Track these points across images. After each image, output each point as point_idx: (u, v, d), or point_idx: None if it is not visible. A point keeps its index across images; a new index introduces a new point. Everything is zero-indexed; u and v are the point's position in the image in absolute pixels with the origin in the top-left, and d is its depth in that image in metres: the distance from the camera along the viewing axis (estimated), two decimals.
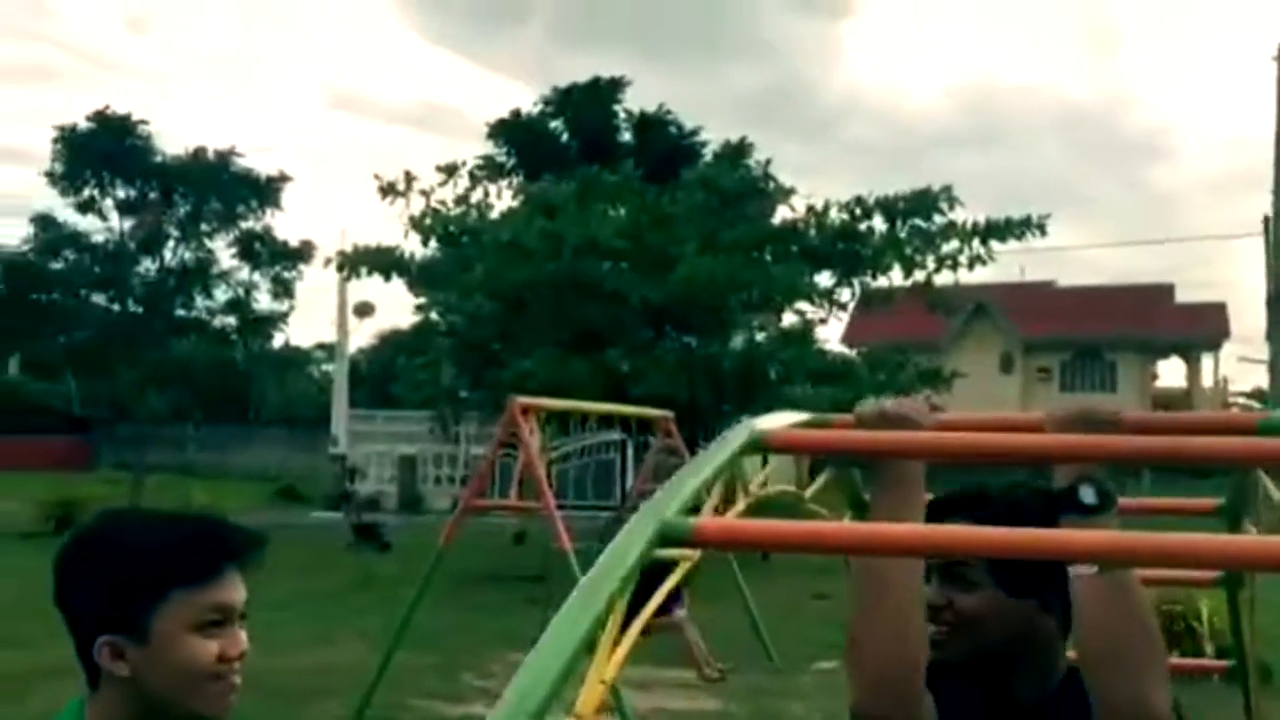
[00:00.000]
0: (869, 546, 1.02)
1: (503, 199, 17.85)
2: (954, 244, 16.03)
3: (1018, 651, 1.59)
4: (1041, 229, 15.89)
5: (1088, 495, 1.36)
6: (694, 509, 1.17)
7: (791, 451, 1.33)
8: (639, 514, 1.07)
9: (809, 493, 1.78)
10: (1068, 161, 78.31)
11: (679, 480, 1.15)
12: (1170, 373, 43.17)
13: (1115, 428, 1.37)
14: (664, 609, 9.15)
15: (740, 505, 1.56)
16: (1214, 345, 40.89)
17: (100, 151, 35.00)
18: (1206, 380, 41.48)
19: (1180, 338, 40.19)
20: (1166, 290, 41.63)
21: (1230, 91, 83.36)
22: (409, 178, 16.44)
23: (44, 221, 35.94)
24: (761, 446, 1.28)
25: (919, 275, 16.37)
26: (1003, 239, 15.97)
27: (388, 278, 16.86)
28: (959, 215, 16.07)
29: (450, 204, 16.52)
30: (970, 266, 16.25)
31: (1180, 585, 3.55)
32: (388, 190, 16.39)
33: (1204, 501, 1.97)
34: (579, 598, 0.97)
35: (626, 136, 24.84)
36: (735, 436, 1.26)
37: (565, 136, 24.74)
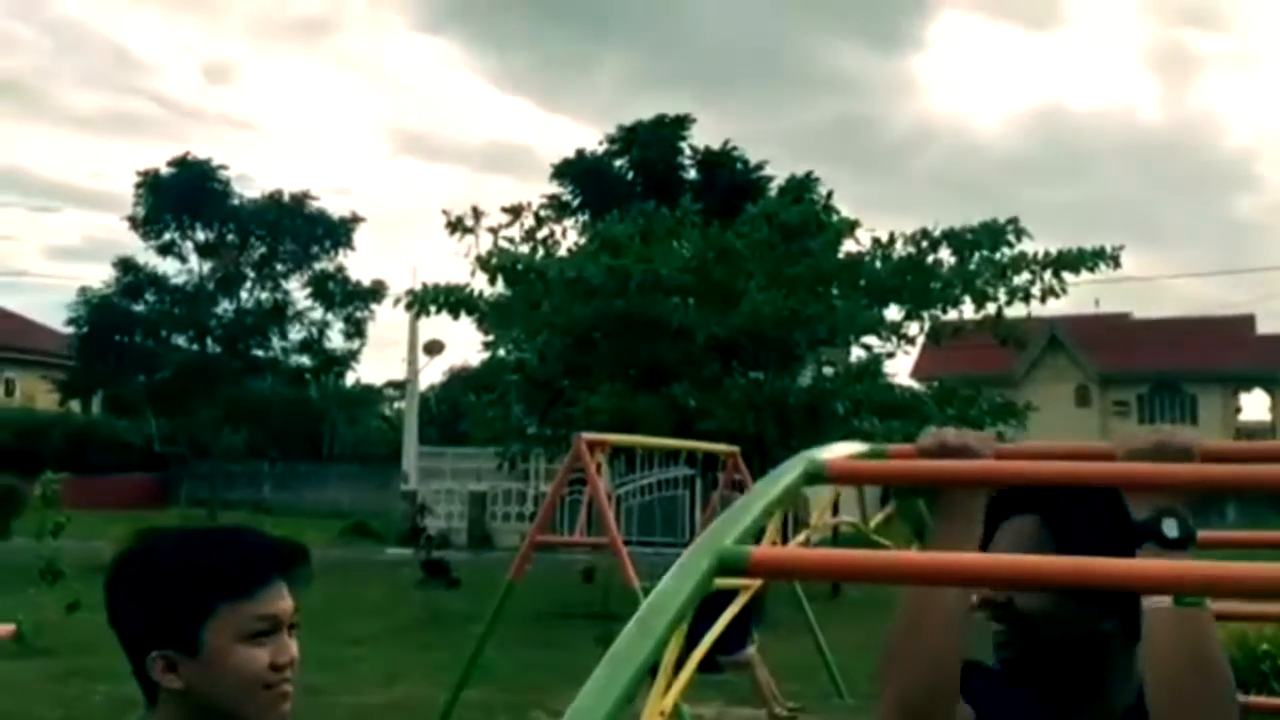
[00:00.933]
0: (926, 576, 1.01)
1: (568, 237, 18.02)
2: (1025, 276, 15.80)
3: (1082, 661, 1.55)
4: (1115, 260, 15.60)
5: (1170, 529, 1.33)
6: (755, 539, 1.17)
7: (849, 482, 1.33)
8: (696, 543, 1.08)
9: (873, 524, 1.76)
10: (1144, 190, 76.94)
11: (738, 510, 1.15)
12: (1253, 405, 42.03)
13: (1189, 458, 1.34)
14: (734, 647, 9.11)
15: (801, 536, 1.55)
16: None
17: (181, 196, 36.04)
18: None
19: (1263, 369, 39.12)
20: (1247, 321, 40.59)
21: None
22: (476, 214, 16.68)
23: (126, 264, 37.05)
24: (819, 476, 1.27)
25: (990, 308, 16.15)
26: (1075, 270, 15.69)
27: (456, 316, 17.06)
28: (1028, 246, 15.85)
29: (517, 242, 16.72)
30: (1043, 299, 15.98)
31: (1269, 621, 3.43)
32: (455, 226, 16.62)
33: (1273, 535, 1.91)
34: (637, 627, 0.97)
35: (691, 173, 24.95)
36: (793, 467, 1.26)
37: (630, 174, 24.92)
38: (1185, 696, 1.31)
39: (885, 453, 1.53)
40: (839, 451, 1.41)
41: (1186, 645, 1.32)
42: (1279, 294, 74.65)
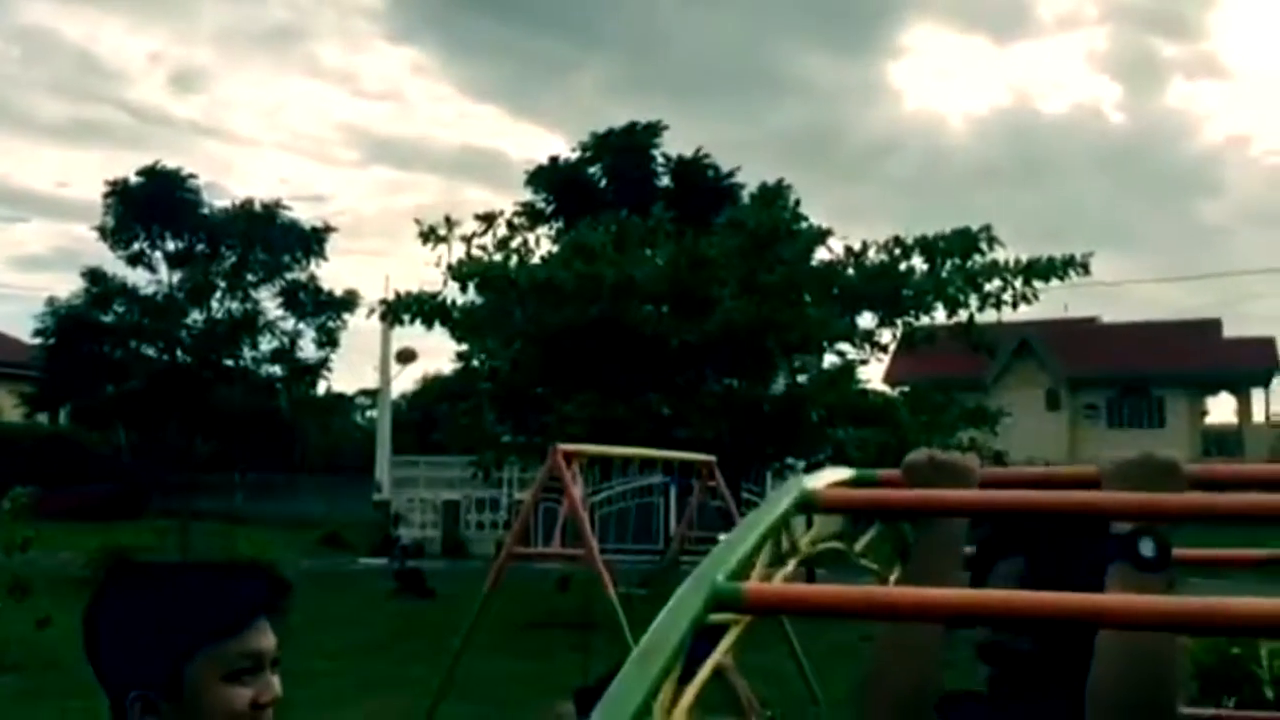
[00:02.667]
0: (921, 611, 1.01)
1: (541, 245, 18.01)
2: (996, 283, 15.94)
3: (1071, 694, 1.55)
4: (1085, 267, 15.76)
5: (1147, 549, 1.33)
6: (744, 571, 1.17)
7: (840, 511, 1.33)
8: (690, 580, 1.07)
9: (858, 546, 1.77)
10: (1111, 195, 77.65)
11: (728, 545, 1.14)
12: (1220, 409, 42.52)
13: (1175, 477, 1.35)
14: (706, 654, 9.11)
15: (790, 566, 1.55)
16: (1264, 380, 40.23)
17: (150, 206, 35.78)
18: (1258, 415, 40.79)
19: (1229, 373, 39.58)
20: (1214, 325, 41.07)
21: (1274, 122, 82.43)
22: (449, 222, 16.65)
23: (94, 275, 36.70)
24: (810, 506, 1.28)
25: (962, 315, 16.28)
26: (1046, 278, 15.85)
27: (430, 325, 17.01)
28: (1000, 254, 15.99)
29: (490, 250, 16.69)
30: (1014, 305, 16.13)
31: (1235, 635, 3.46)
32: (428, 235, 16.58)
33: (1259, 553, 1.93)
34: (634, 666, 0.97)
35: (665, 180, 25.00)
36: (783, 496, 1.26)
37: (603, 182, 24.93)
38: (1134, 711, 1.32)
39: (875, 477, 1.54)
40: (828, 478, 1.41)
41: (1145, 662, 1.32)
42: (1245, 298, 75.54)
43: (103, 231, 36.82)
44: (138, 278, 37.37)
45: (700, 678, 1.42)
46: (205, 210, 37.43)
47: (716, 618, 1.12)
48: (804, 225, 16.80)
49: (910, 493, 1.36)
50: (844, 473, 1.50)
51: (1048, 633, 1.54)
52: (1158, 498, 1.24)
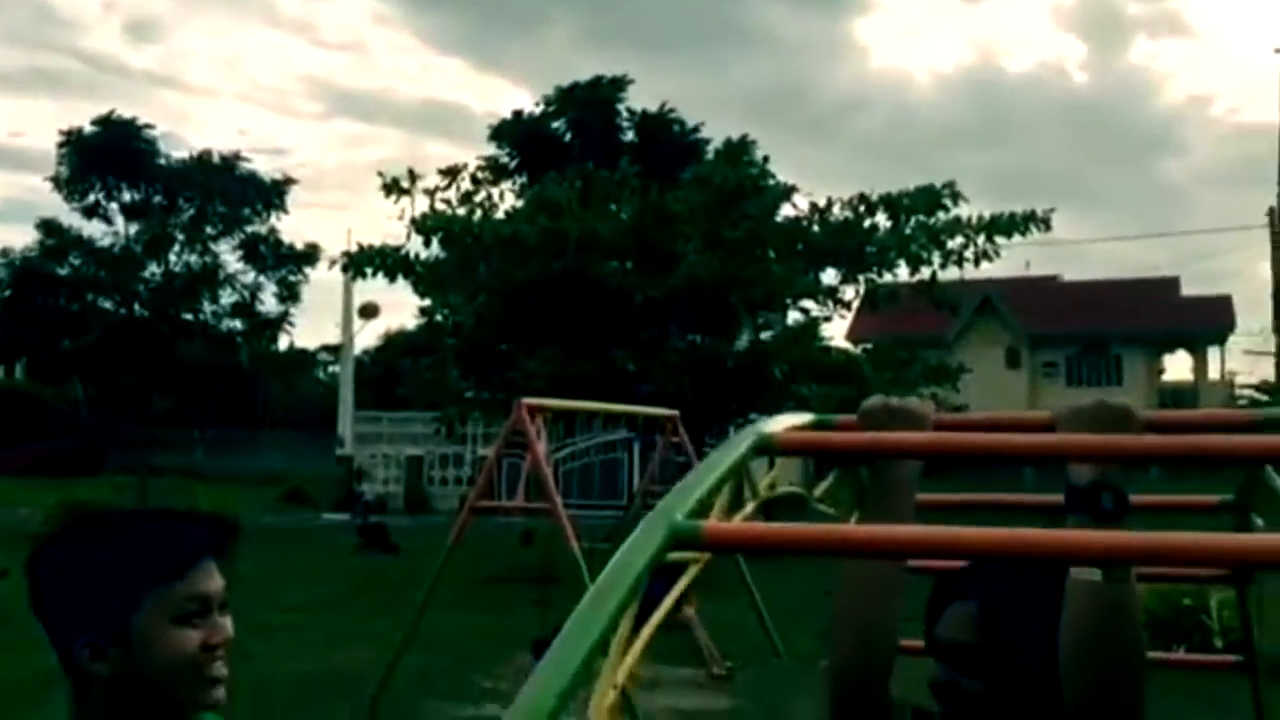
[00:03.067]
0: (875, 548, 1.02)
1: (505, 200, 17.87)
2: (959, 240, 16.01)
3: None
4: (1046, 223, 15.87)
5: (1106, 501, 1.35)
6: (703, 511, 1.17)
7: (798, 454, 1.33)
8: (648, 518, 1.07)
9: (817, 492, 1.78)
10: (1073, 154, 78.16)
11: (687, 484, 1.15)
12: (1176, 366, 43.14)
13: (1128, 423, 1.37)
14: (663, 594, 9.18)
15: (749, 508, 1.56)
16: (1220, 338, 40.84)
17: (105, 156, 35.13)
18: (1213, 373, 41.43)
19: (1186, 331, 40.13)
20: (1172, 284, 41.58)
21: (1237, 84, 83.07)
22: (413, 175, 16.46)
23: (50, 227, 36.07)
24: (769, 449, 1.28)
25: (924, 272, 16.35)
26: (1007, 234, 15.94)
27: (393, 279, 16.87)
28: (963, 211, 16.05)
29: (454, 204, 16.54)
30: (976, 262, 16.23)
31: (1189, 581, 3.54)
32: (391, 188, 16.40)
33: (1210, 498, 1.97)
34: (590, 603, 0.97)
35: (629, 135, 24.84)
36: (742, 439, 1.27)
37: (568, 136, 24.74)
38: (1104, 668, 1.35)
39: (832, 423, 1.54)
40: (786, 423, 1.42)
41: (1105, 621, 1.34)
42: (1203, 256, 76.53)
43: (57, 182, 36.16)
44: (94, 229, 36.81)
45: (656, 618, 1.43)
46: (162, 161, 36.81)
47: (674, 556, 1.12)
48: (771, 182, 16.76)
49: (865, 435, 1.37)
50: (803, 418, 1.50)
51: (997, 675, 1.57)
52: (1110, 439, 1.25)
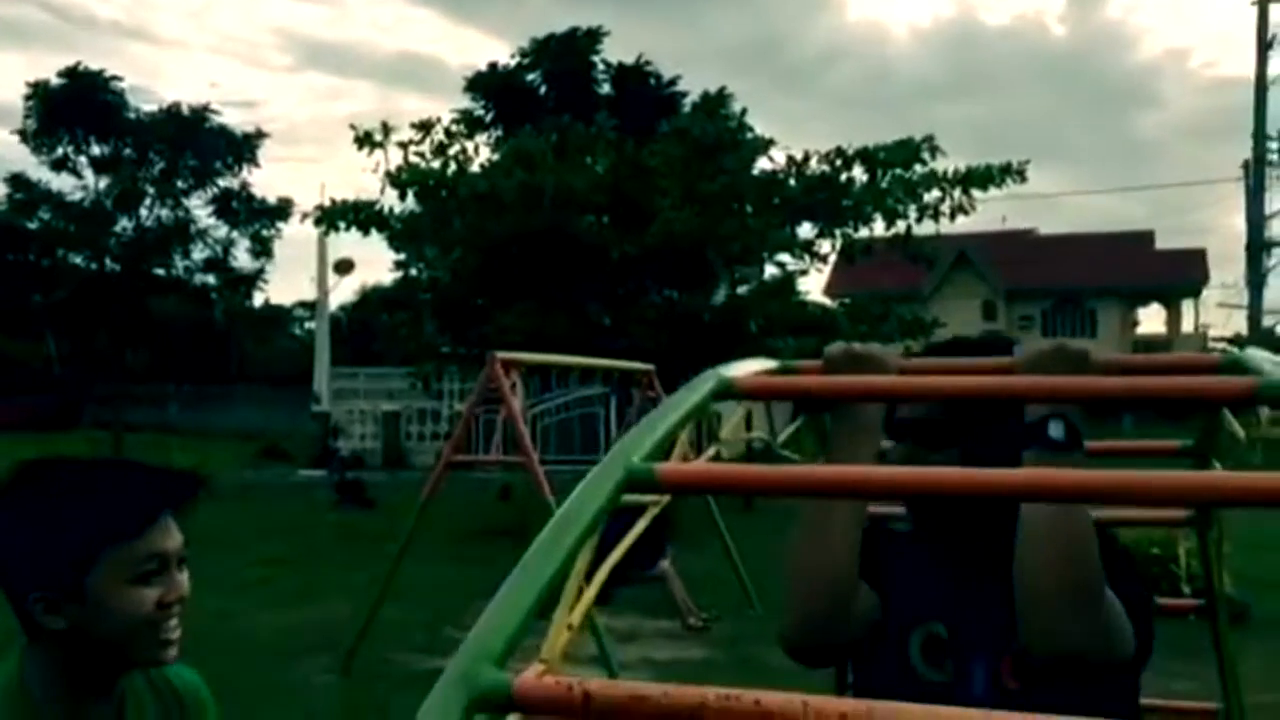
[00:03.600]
0: (830, 488, 1.02)
1: (480, 153, 17.70)
2: (935, 193, 16.00)
3: (990, 518, 1.58)
4: (1021, 175, 15.87)
5: (1057, 431, 1.37)
6: (666, 455, 1.17)
7: (759, 397, 1.34)
8: (605, 459, 1.08)
9: (781, 438, 1.79)
10: (1050, 107, 78.20)
11: (645, 426, 1.15)
12: (1151, 319, 43.50)
13: (1086, 366, 1.37)
14: (648, 562, 9.26)
15: (710, 451, 1.57)
16: (1194, 291, 41.15)
17: (73, 108, 34.62)
18: (1187, 326, 41.79)
19: (1161, 284, 40.41)
20: (1147, 237, 41.79)
21: (1212, 36, 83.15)
22: (386, 128, 16.28)
23: (18, 181, 35.58)
24: (729, 392, 1.28)
25: (900, 226, 16.35)
26: (984, 187, 15.93)
27: (366, 233, 16.73)
28: (937, 163, 16.02)
29: (428, 157, 16.38)
30: (952, 216, 16.23)
31: (1150, 525, 3.59)
32: (364, 140, 16.22)
33: (1171, 443, 1.99)
34: (543, 543, 0.97)
35: (606, 88, 24.63)
36: (703, 383, 1.26)
37: (543, 89, 24.50)
38: (1055, 589, 1.36)
39: (795, 368, 1.54)
40: (749, 368, 1.42)
41: (1059, 538, 1.35)
42: (1177, 210, 76.94)
43: (24, 135, 35.63)
44: (63, 183, 36.34)
45: (613, 556, 1.43)
46: (131, 114, 36.31)
47: (631, 498, 1.12)
48: (749, 135, 16.66)
49: (826, 379, 1.37)
50: (767, 363, 1.50)
51: (966, 443, 1.57)
52: (1067, 380, 1.26)
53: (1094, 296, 40.18)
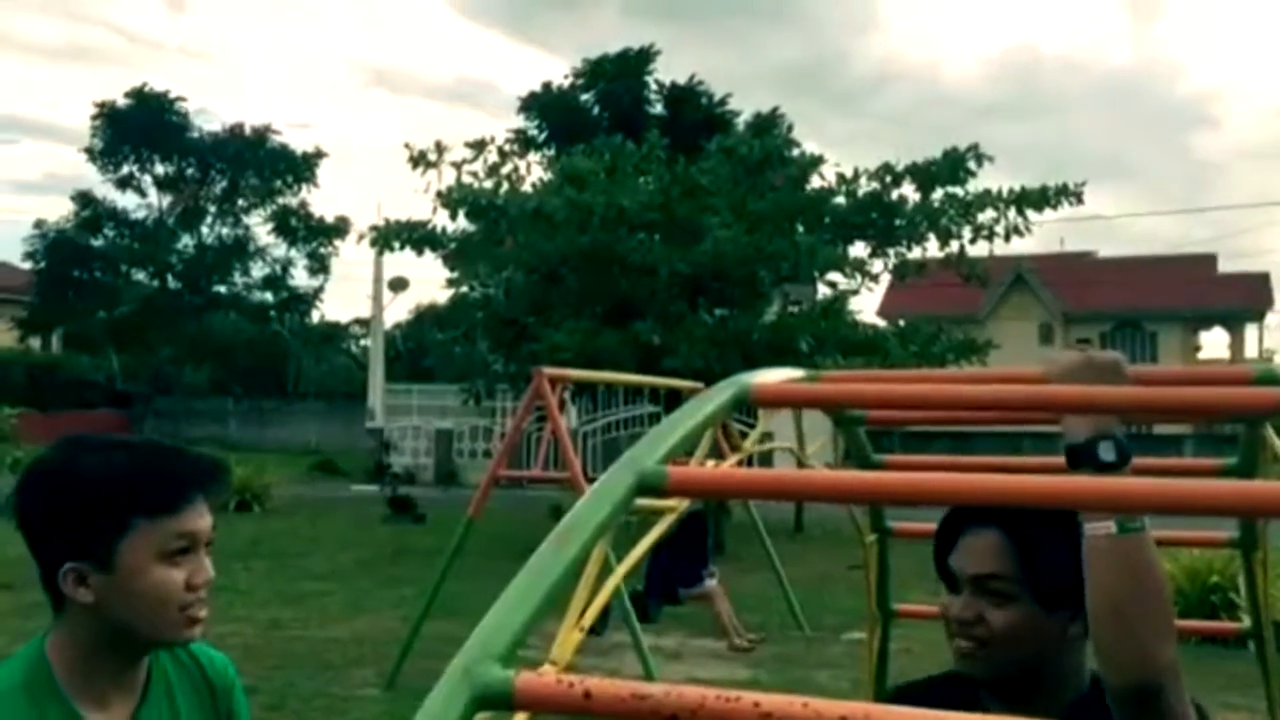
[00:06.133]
0: (830, 493, 1.01)
1: (533, 172, 17.83)
2: (989, 213, 15.82)
3: (1045, 664, 1.54)
4: (1078, 197, 15.63)
5: (1107, 453, 1.33)
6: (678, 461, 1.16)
7: (779, 405, 1.32)
8: (618, 464, 1.07)
9: (810, 451, 1.77)
10: (1110, 130, 77.21)
11: (659, 432, 1.14)
12: (1213, 344, 42.63)
13: (1117, 377, 1.35)
14: (693, 579, 9.21)
15: (732, 459, 1.55)
16: (1257, 315, 40.32)
17: (138, 128, 35.40)
18: (1250, 350, 40.91)
19: (1223, 308, 39.63)
20: (1209, 260, 41.03)
21: (1276, 57, 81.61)
22: (439, 148, 16.45)
23: (84, 198, 36.42)
24: (749, 400, 1.27)
25: (954, 246, 16.19)
26: (1039, 208, 15.72)
27: (420, 252, 16.91)
28: (993, 184, 15.84)
29: (481, 176, 16.53)
30: (1007, 237, 16.01)
31: (1193, 546, 3.52)
32: (418, 160, 16.41)
33: (1215, 461, 1.94)
34: (553, 543, 0.97)
35: (658, 108, 24.73)
36: (722, 390, 1.25)
37: (596, 109, 24.65)
38: (1130, 614, 1.33)
39: (820, 378, 1.53)
40: (773, 376, 1.41)
41: (1127, 569, 1.32)
42: (1240, 232, 75.40)
43: (91, 154, 36.49)
44: (127, 201, 37.16)
45: (620, 569, 1.42)
46: (195, 134, 37.06)
47: (645, 503, 1.12)
48: (796, 152, 16.61)
49: (849, 387, 1.36)
50: (793, 372, 1.49)
51: (1030, 603, 1.52)
52: (1096, 390, 1.23)
53: (1154, 320, 39.49)
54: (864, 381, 1.40)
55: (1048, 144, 75.54)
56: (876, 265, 16.93)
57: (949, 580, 1.59)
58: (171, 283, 37.05)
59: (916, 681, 1.82)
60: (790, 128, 17.15)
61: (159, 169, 37.15)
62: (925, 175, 15.72)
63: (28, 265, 36.41)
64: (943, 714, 0.73)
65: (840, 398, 1.37)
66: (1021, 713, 1.52)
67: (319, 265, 38.43)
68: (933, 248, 16.49)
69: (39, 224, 36.04)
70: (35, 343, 38.18)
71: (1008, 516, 1.53)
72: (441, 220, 16.59)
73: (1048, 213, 15.89)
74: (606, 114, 24.00)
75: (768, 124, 17.49)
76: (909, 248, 16.73)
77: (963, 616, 1.54)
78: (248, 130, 37.39)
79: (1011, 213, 15.66)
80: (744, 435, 9.55)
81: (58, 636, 1.57)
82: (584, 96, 24.84)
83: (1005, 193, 15.67)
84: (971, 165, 15.58)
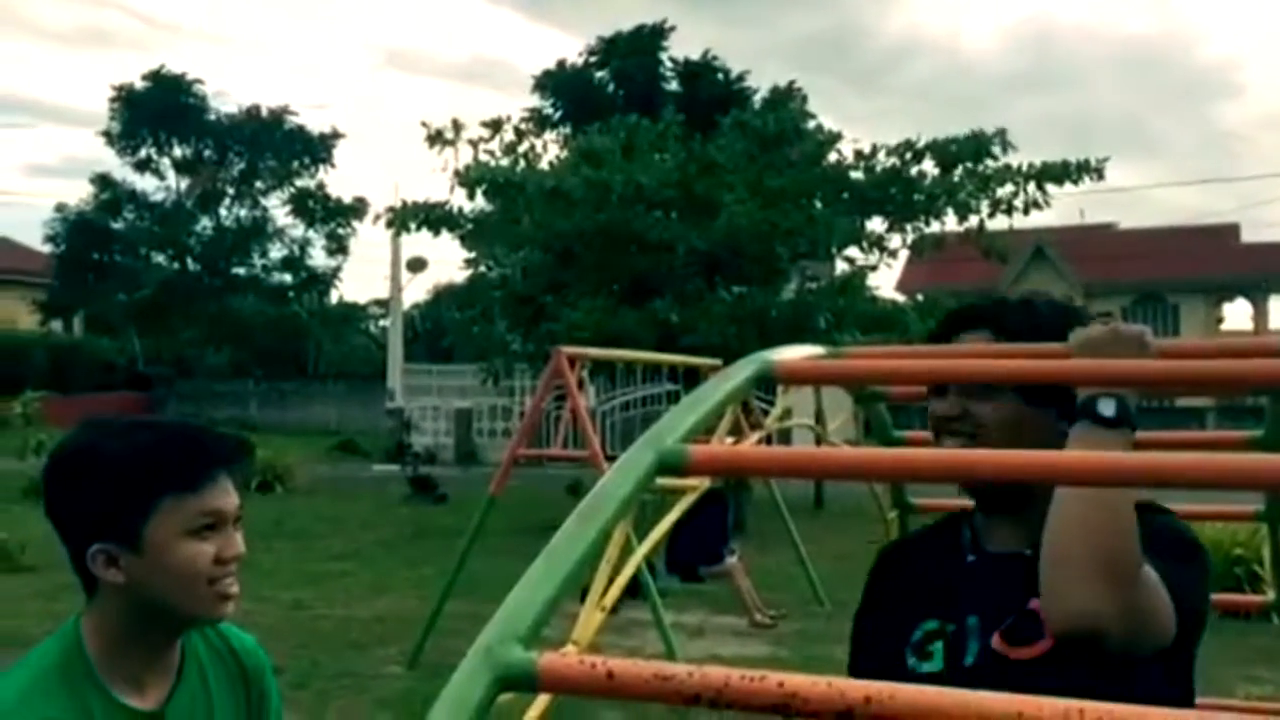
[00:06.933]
0: (851, 471, 1.00)
1: (549, 150, 17.80)
2: (1009, 188, 15.70)
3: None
4: (1099, 172, 15.48)
5: (1106, 408, 1.32)
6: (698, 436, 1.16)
7: (800, 382, 1.32)
8: (639, 442, 1.06)
9: (832, 428, 1.76)
10: (1131, 100, 76.44)
11: (681, 409, 1.13)
12: (1236, 315, 42.27)
13: (1143, 350, 1.33)
14: (714, 556, 9.23)
15: (754, 437, 1.55)
16: None
17: (156, 111, 35.50)
18: (1274, 322, 40.55)
19: (1246, 279, 39.24)
20: (1231, 230, 40.62)
21: None
22: (456, 126, 16.44)
23: (104, 181, 36.57)
24: (768, 377, 1.26)
25: (973, 220, 16.08)
26: (1059, 183, 15.59)
27: (437, 233, 16.92)
28: (1013, 157, 15.72)
29: (497, 155, 16.51)
30: (1026, 211, 15.90)
31: (1218, 520, 3.49)
32: (435, 139, 16.40)
33: (1238, 434, 1.92)
34: (575, 522, 0.97)
35: (673, 85, 24.62)
36: (743, 367, 1.24)
37: (611, 87, 24.57)
38: (1078, 556, 1.29)
39: (842, 354, 1.52)
40: (794, 353, 1.39)
41: (1095, 507, 1.29)
42: (1263, 202, 74.71)
43: (109, 137, 36.62)
44: (146, 184, 37.30)
45: (643, 548, 1.41)
46: (212, 116, 37.14)
47: (664, 481, 1.11)
48: (812, 124, 16.50)
49: (874, 363, 1.34)
50: (814, 349, 1.48)
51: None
52: (1120, 363, 1.22)
53: (1176, 292, 39.16)
54: (888, 357, 1.39)
55: (1068, 114, 74.98)
56: (894, 240, 16.85)
57: (936, 388, 1.60)
58: (191, 265, 37.23)
59: (903, 539, 1.89)
60: (805, 99, 17.01)
61: (177, 151, 37.26)
62: (946, 153, 15.60)
63: (48, 248, 36.61)
64: (959, 692, 0.72)
65: (866, 373, 1.36)
66: (1016, 524, 1.53)
67: (337, 246, 38.54)
68: (951, 222, 16.40)
69: (59, 207, 36.23)
70: (57, 326, 38.42)
71: (999, 322, 1.58)
72: (458, 200, 16.60)
73: (1068, 186, 15.78)
74: (621, 92, 23.93)
75: (783, 98, 17.36)
76: (927, 223, 16.63)
77: (949, 413, 1.56)
78: (264, 112, 37.46)
79: (1031, 187, 15.54)
80: (764, 413, 9.56)
81: (91, 619, 1.58)
82: (599, 74, 24.77)
83: (1025, 168, 15.55)
84: (996, 150, 15.44)
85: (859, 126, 73.97)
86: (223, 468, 1.59)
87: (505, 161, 16.39)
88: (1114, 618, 1.30)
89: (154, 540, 1.52)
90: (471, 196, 16.34)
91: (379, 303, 40.82)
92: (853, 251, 17.12)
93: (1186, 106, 78.68)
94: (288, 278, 38.65)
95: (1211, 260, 38.51)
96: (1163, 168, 76.32)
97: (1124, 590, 1.30)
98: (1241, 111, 77.90)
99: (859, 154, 16.19)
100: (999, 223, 16.31)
